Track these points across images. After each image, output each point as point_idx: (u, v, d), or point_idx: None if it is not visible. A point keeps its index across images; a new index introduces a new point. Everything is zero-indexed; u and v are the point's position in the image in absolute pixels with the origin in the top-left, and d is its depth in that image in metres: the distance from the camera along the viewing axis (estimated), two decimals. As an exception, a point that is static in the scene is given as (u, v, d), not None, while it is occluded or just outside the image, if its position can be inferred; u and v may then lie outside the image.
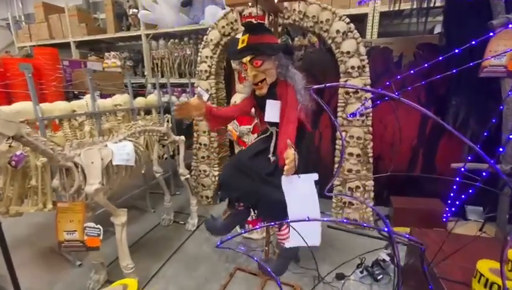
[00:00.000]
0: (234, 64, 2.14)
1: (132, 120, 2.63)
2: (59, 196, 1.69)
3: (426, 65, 1.39)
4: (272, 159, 1.23)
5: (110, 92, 3.65)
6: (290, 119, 1.13)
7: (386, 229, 0.65)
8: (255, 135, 2.15)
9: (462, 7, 1.90)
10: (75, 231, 1.51)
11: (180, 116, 1.30)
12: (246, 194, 1.30)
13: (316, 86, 0.65)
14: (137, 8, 4.74)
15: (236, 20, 2.37)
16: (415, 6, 2.61)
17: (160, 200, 2.96)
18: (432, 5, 2.21)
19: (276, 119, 1.20)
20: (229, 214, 1.45)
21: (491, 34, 1.62)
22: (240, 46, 1.15)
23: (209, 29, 2.60)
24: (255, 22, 1.19)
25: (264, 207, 1.28)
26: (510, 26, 1.59)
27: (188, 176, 2.39)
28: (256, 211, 1.40)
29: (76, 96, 3.37)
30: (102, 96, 3.26)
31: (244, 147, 2.25)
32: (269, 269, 0.86)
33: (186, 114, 1.28)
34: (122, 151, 1.71)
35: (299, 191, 0.95)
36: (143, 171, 2.55)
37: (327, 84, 0.62)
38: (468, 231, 2.04)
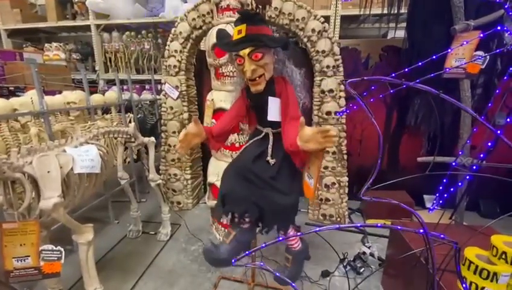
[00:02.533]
0: (210, 60, 1.99)
1: (89, 120, 2.30)
2: (1, 215, 1.37)
3: (393, 75, 1.45)
4: (272, 162, 1.15)
5: (56, 88, 3.19)
6: (294, 116, 1.06)
7: (421, 231, 0.62)
8: (235, 135, 2.05)
9: (426, 13, 2.05)
10: (28, 256, 1.23)
11: (184, 151, 1.14)
12: (252, 204, 1.15)
13: (352, 80, 0.59)
14: (84, -5, 4.21)
15: (208, 13, 2.22)
16: (379, 12, 2.80)
17: (124, 210, 2.67)
18: (395, 11, 2.36)
19: (278, 118, 1.12)
20: (234, 235, 1.24)
21: (449, 50, 1.78)
22: (236, 37, 1.04)
23: (178, 21, 2.40)
24: (251, 11, 1.09)
25: (271, 215, 1.16)
26: (464, 44, 1.75)
27: (160, 181, 2.18)
28: (261, 223, 1.24)
29: (13, 93, 2.84)
30: (46, 92, 2.81)
31: (222, 147, 2.13)
32: (286, 279, 0.78)
33: (189, 145, 1.12)
34: (85, 157, 1.46)
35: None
36: (104, 179, 2.24)
37: (365, 78, 0.57)
38: (431, 219, 2.23)
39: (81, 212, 2.21)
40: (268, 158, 1.16)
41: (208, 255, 1.20)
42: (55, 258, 1.28)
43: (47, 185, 1.25)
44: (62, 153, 1.39)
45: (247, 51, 1.03)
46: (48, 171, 1.26)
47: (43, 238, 1.36)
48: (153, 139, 2.12)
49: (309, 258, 1.35)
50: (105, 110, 2.78)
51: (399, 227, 0.63)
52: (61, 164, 1.33)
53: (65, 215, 1.32)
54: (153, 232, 2.33)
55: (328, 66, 2.27)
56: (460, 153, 1.36)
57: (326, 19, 3.50)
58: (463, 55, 1.76)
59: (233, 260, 0.71)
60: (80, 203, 1.76)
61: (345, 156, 2.44)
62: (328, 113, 2.34)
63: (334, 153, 2.40)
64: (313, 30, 2.22)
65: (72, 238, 1.43)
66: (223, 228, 2.15)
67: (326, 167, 2.44)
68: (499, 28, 1.10)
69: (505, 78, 1.01)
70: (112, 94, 2.73)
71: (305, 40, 2.29)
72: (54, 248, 1.28)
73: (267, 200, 1.12)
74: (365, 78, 0.58)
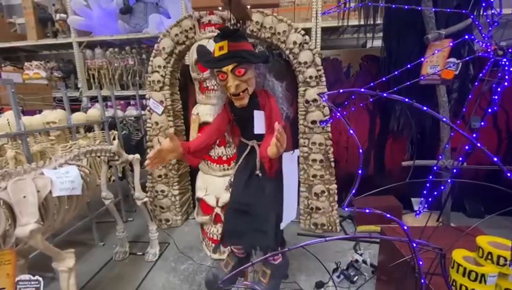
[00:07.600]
0: (194, 74, 2.00)
1: (70, 140, 2.23)
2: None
3: (372, 84, 1.49)
4: (261, 175, 1.16)
5: (36, 108, 3.10)
6: None
7: (408, 240, 0.62)
8: (222, 148, 2.04)
9: (400, 23, 2.14)
10: (3, 288, 1.15)
11: (155, 167, 1.17)
12: (246, 239, 1.26)
13: (330, 92, 0.60)
14: (66, 13, 4.18)
15: (191, 28, 2.24)
16: (356, 23, 2.90)
17: (109, 231, 2.57)
18: (372, 22, 2.45)
19: (264, 130, 1.12)
20: (233, 265, 1.38)
21: (422, 59, 1.85)
22: (218, 53, 1.04)
23: (161, 36, 2.40)
24: (231, 27, 1.11)
25: (257, 243, 1.23)
26: (436, 52, 1.83)
27: (146, 199, 2.12)
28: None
29: (-11, 115, 2.74)
30: (25, 112, 2.73)
31: (209, 161, 2.11)
32: None
33: (162, 161, 1.13)
34: (65, 179, 1.41)
35: (291, 166, 1.05)
36: (87, 200, 2.16)
37: (341, 90, 0.58)
38: (419, 222, 2.26)
39: (64, 235, 2.11)
40: (258, 172, 1.17)
41: (209, 285, 1.32)
42: (33, 289, 1.20)
43: (23, 210, 1.19)
44: (39, 175, 1.33)
45: (230, 67, 1.04)
46: (24, 196, 1.21)
47: (20, 268, 1.29)
48: (137, 156, 2.07)
49: (287, 277, 1.40)
50: (89, 128, 2.71)
51: (385, 236, 0.62)
52: (38, 187, 1.27)
53: (43, 242, 1.25)
54: (140, 253, 2.24)
55: (310, 77, 2.32)
56: (440, 157, 1.40)
57: (308, 31, 3.60)
58: (437, 62, 1.84)
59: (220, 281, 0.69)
60: (61, 227, 1.68)
61: (333, 164, 2.46)
62: (313, 122, 2.37)
63: (321, 161, 2.42)
64: (294, 42, 2.27)
65: (52, 265, 1.36)
66: (213, 244, 2.10)
67: (314, 176, 2.44)
68: (466, 37, 1.15)
69: (476, 83, 1.06)
70: (95, 112, 2.67)
71: (288, 52, 2.34)
72: (32, 278, 1.21)
73: (256, 232, 1.18)
74: (341, 90, 0.59)
